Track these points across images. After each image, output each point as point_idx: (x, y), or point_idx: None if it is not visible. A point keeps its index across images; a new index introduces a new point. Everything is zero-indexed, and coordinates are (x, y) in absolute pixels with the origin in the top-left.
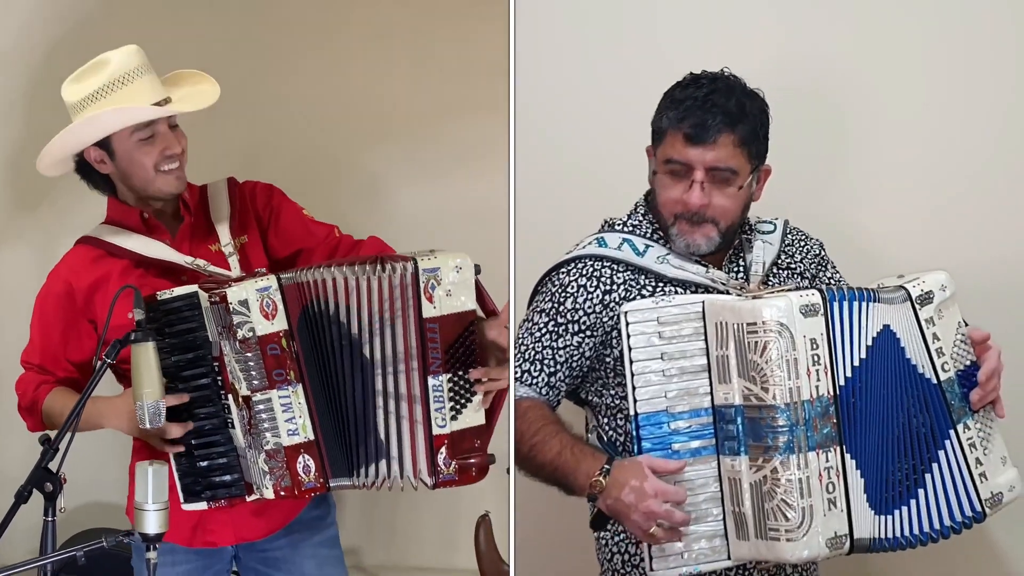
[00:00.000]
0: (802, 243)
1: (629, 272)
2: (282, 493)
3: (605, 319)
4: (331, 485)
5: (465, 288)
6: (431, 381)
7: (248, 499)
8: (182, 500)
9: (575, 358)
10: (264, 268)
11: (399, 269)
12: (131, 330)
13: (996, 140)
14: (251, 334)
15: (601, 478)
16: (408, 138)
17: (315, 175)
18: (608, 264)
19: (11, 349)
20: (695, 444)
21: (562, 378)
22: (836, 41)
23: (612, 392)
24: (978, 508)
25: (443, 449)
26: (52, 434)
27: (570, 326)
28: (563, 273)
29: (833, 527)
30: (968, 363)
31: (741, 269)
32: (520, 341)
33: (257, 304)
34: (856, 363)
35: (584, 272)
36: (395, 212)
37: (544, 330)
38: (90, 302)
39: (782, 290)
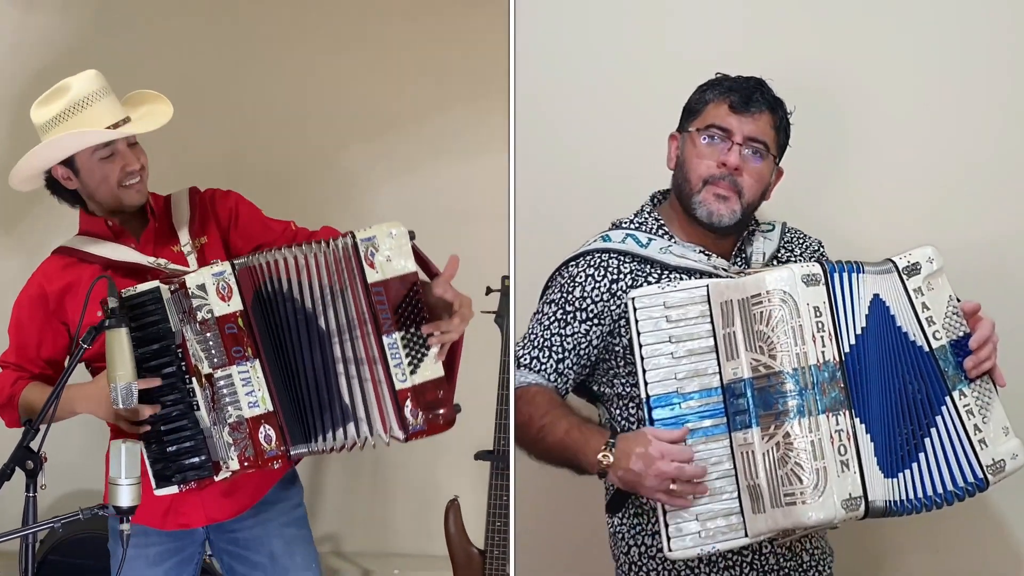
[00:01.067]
0: (800, 240)
1: (635, 263)
2: (246, 464)
3: (613, 307)
4: (292, 452)
5: (402, 252)
6: (386, 340)
7: (216, 478)
8: (154, 486)
9: (583, 346)
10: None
11: (340, 243)
12: (105, 317)
13: (995, 140)
14: (209, 315)
15: (608, 452)
16: (390, 135)
17: (297, 174)
18: (615, 255)
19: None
20: (707, 423)
21: (570, 365)
22: (836, 41)
23: (622, 381)
24: (980, 474)
25: (408, 402)
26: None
27: (578, 314)
28: (572, 266)
29: (847, 488)
30: (962, 333)
31: (743, 261)
32: (530, 331)
33: (214, 288)
34: (858, 331)
35: (592, 263)
36: (376, 209)
37: (552, 319)
38: (62, 304)
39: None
